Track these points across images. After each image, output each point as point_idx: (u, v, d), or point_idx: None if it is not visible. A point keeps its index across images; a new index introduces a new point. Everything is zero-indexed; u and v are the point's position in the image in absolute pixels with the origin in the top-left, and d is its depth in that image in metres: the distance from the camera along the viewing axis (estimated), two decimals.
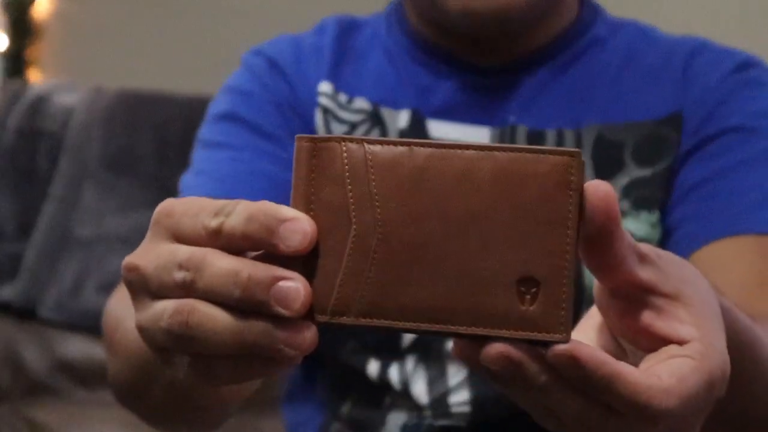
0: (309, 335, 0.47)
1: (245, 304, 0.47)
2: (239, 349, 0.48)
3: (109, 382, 0.83)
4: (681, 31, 1.03)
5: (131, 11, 2.30)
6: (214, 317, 0.48)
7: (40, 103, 1.85)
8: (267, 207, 0.47)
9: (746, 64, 0.97)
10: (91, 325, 1.73)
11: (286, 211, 0.47)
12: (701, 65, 0.97)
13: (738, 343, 0.59)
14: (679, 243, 0.91)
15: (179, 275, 0.49)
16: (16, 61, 2.29)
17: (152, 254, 0.51)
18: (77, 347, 1.73)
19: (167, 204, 0.51)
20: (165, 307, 0.49)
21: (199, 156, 0.98)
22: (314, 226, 0.47)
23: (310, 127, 0.97)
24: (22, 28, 2.29)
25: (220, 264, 0.48)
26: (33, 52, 2.30)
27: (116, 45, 2.29)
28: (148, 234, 0.52)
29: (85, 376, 1.72)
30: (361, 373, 0.94)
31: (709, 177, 0.92)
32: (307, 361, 1.00)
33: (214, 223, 0.49)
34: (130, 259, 0.51)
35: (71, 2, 2.33)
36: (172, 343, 0.50)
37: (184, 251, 0.49)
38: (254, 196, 0.55)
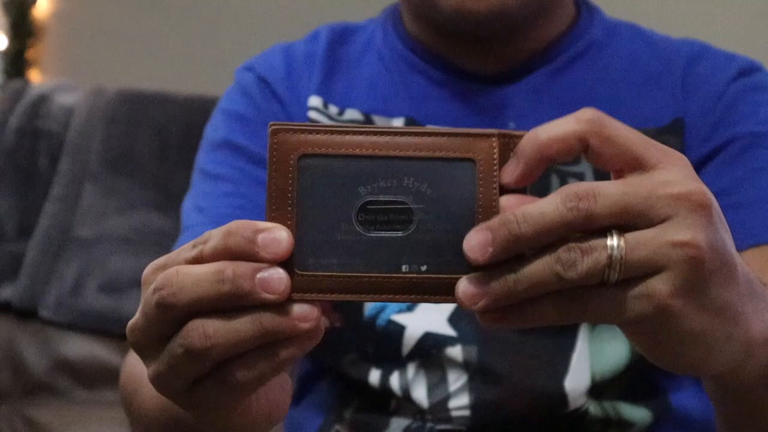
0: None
1: (233, 299, 0.50)
2: (261, 338, 0.51)
3: None
4: (680, 32, 1.03)
5: (131, 11, 2.30)
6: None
7: (40, 103, 1.85)
8: (242, 222, 0.51)
9: (748, 69, 0.97)
10: (91, 325, 1.73)
11: (260, 223, 0.52)
12: (702, 72, 0.97)
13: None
14: None
15: (154, 298, 0.52)
16: (17, 61, 2.28)
17: (140, 306, 0.53)
18: (77, 347, 1.73)
19: (153, 262, 0.54)
20: (174, 340, 0.52)
21: (199, 187, 0.99)
22: (288, 232, 0.51)
23: None
24: (23, 29, 2.29)
25: (197, 271, 0.51)
26: (33, 52, 2.30)
27: (116, 45, 2.29)
28: (142, 296, 0.54)
29: (85, 376, 1.72)
30: (363, 382, 0.94)
31: (723, 188, 0.90)
32: (308, 370, 1.01)
33: (193, 252, 0.52)
34: (128, 325, 0.54)
35: (71, 2, 2.33)
36: (192, 364, 0.52)
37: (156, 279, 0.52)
38: None
